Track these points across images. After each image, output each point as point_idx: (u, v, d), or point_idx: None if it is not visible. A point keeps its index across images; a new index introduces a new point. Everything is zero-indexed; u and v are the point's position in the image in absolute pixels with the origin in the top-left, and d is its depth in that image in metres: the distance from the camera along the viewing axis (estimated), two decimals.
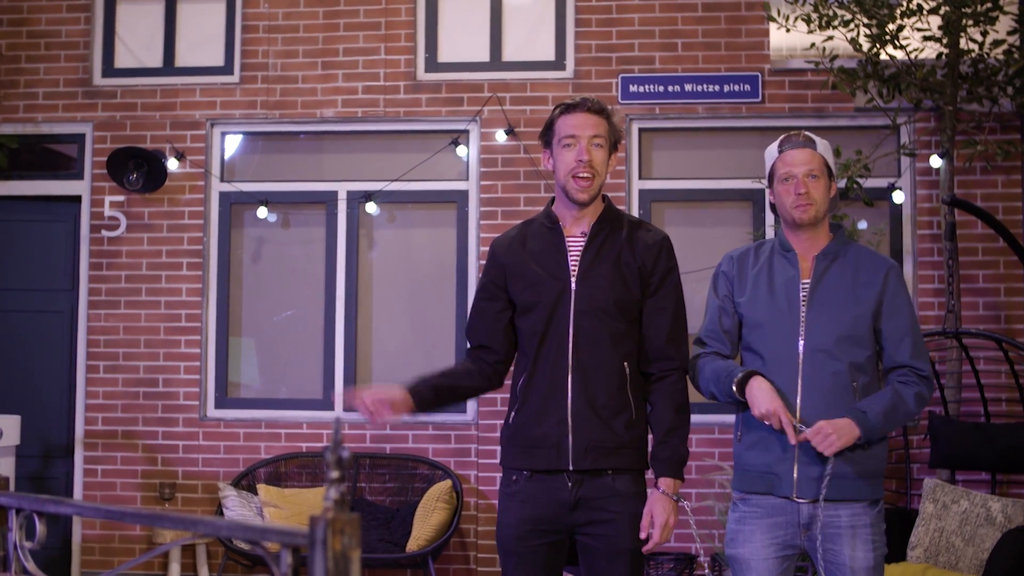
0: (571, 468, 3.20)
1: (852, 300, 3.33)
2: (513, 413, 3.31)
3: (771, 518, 3.31)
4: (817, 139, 3.42)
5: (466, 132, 6.97)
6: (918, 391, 3.30)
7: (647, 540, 3.21)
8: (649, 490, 3.28)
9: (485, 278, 3.43)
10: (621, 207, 3.64)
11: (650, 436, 3.32)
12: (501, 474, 3.38)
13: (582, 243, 3.31)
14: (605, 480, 3.21)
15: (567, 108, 3.32)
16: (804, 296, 3.35)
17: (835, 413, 3.23)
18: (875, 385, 3.36)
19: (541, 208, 3.47)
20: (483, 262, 6.63)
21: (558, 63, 6.96)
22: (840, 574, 3.24)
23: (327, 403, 6.94)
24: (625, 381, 3.24)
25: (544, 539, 3.23)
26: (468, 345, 3.49)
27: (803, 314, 3.32)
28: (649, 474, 3.31)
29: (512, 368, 3.45)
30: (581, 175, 3.26)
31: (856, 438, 3.21)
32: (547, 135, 3.37)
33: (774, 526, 3.30)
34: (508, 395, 3.40)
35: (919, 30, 6.10)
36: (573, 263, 3.29)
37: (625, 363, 3.24)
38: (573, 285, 3.26)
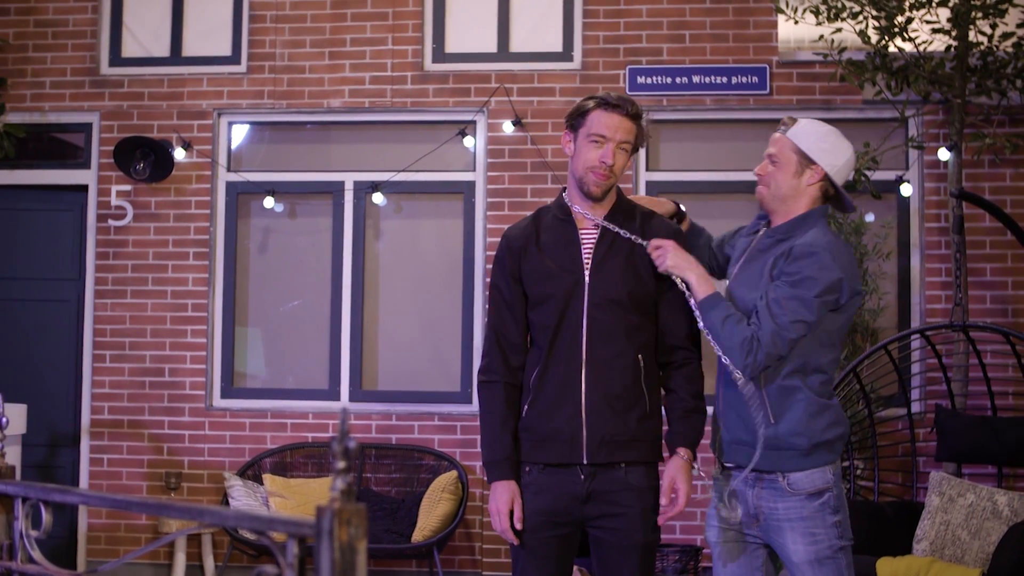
0: (585, 462, 3.18)
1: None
2: (526, 406, 3.26)
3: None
4: (798, 123, 3.36)
5: (473, 123, 6.95)
6: None
7: (658, 536, 3.22)
8: (666, 455, 3.27)
9: (502, 271, 3.33)
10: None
11: (664, 429, 3.32)
12: None
13: (595, 236, 3.28)
14: (618, 473, 3.20)
15: (606, 105, 3.25)
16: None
17: None
18: None
19: (548, 199, 3.45)
20: (490, 253, 6.63)
21: (565, 54, 6.95)
22: (788, 568, 3.24)
23: (333, 393, 6.94)
24: (639, 374, 3.21)
25: (556, 531, 3.23)
26: (496, 346, 3.32)
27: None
28: (662, 466, 3.32)
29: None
30: (599, 171, 3.24)
31: None
32: (576, 121, 3.29)
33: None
34: None
35: (928, 22, 6.08)
36: (586, 255, 3.26)
37: (639, 355, 3.22)
38: (587, 278, 3.23)
